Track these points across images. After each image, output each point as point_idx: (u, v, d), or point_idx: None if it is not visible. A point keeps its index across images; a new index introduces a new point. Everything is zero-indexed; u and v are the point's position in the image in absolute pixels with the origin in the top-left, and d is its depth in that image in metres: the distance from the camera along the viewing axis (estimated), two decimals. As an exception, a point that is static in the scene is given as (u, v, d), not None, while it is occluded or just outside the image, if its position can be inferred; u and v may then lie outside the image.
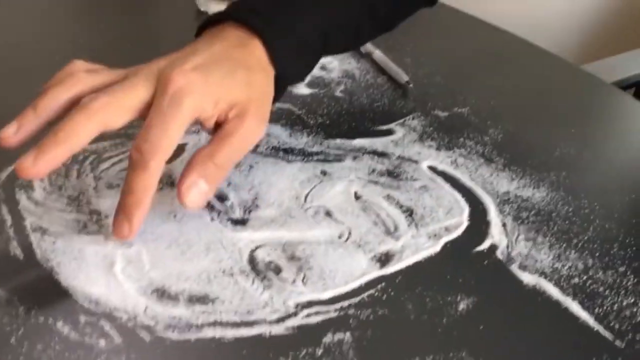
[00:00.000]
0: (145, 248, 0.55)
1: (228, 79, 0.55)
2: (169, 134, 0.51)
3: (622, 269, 0.57)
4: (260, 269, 0.54)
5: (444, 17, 1.02)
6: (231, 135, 0.54)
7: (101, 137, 0.64)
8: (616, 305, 0.53)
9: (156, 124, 0.51)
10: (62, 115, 0.53)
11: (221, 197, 0.61)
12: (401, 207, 0.62)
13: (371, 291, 0.52)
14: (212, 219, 0.59)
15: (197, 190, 0.53)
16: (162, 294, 0.51)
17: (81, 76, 0.54)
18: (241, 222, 0.58)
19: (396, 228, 0.59)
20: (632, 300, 0.53)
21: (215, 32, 0.59)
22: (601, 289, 0.54)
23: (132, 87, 0.53)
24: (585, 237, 0.60)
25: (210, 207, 0.60)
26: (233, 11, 0.60)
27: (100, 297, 0.50)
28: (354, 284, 0.53)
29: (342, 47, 0.70)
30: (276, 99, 0.61)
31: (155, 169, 0.51)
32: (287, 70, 0.61)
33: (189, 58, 0.55)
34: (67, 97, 0.53)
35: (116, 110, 0.52)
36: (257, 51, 0.59)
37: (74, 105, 0.52)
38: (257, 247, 0.56)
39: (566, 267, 0.56)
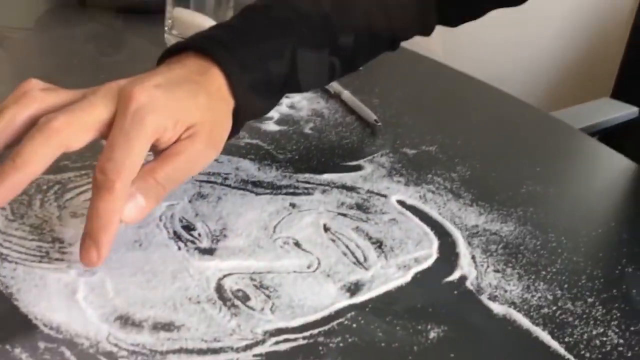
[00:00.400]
0: (109, 276, 0.53)
1: (189, 100, 0.54)
2: (134, 153, 0.50)
3: (590, 299, 0.57)
4: (227, 297, 0.53)
5: (413, 62, 1.04)
6: (177, 154, 0.53)
7: (66, 168, 0.63)
8: (586, 334, 0.53)
9: (119, 143, 0.50)
10: (20, 136, 0.51)
11: (188, 227, 0.60)
12: (370, 238, 0.61)
13: (341, 319, 0.52)
14: (179, 248, 0.58)
15: (135, 204, 0.51)
16: (126, 321, 0.50)
17: (37, 95, 0.53)
18: (209, 252, 0.57)
19: (365, 259, 0.58)
20: (602, 330, 0.53)
21: (176, 60, 0.59)
22: (570, 319, 0.54)
23: (92, 106, 0.52)
24: (554, 270, 0.60)
25: (177, 236, 0.59)
26: (194, 41, 0.60)
27: (61, 323, 0.49)
28: (324, 313, 0.52)
29: (307, 86, 0.70)
30: (234, 132, 0.61)
31: (121, 190, 0.50)
32: (247, 103, 0.60)
33: (150, 77, 0.54)
34: (24, 117, 0.52)
35: (76, 130, 0.51)
36: (217, 80, 0.58)
37: (31, 126, 0.51)
38: (224, 276, 0.55)
39: (535, 298, 0.56)
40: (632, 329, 0.54)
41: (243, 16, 0.65)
